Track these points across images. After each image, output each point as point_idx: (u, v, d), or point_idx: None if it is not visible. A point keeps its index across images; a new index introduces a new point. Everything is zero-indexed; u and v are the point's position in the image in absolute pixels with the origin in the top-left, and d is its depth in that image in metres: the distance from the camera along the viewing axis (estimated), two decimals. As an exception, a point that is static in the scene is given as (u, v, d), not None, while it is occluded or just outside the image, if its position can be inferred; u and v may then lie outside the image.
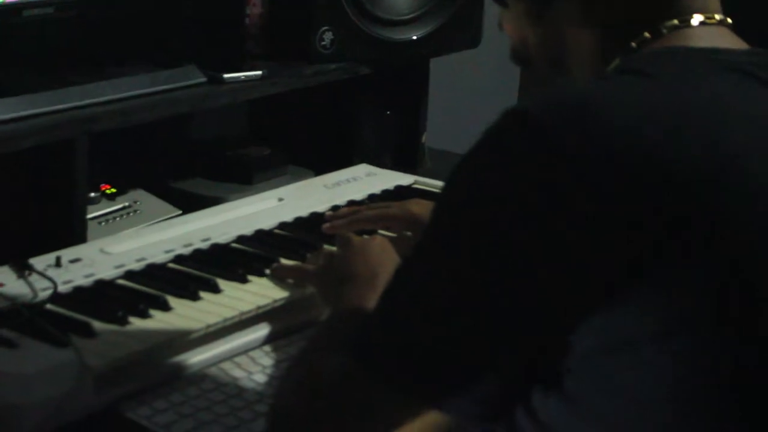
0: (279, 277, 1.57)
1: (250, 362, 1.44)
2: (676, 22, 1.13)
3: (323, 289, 1.49)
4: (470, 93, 2.96)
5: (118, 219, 1.82)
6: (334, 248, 1.54)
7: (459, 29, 2.21)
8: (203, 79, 1.89)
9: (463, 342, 1.04)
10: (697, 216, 1.00)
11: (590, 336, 1.02)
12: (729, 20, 1.16)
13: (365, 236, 1.58)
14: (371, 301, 1.33)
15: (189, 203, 1.90)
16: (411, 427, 1.08)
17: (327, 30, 2.04)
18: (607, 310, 1.01)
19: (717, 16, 1.15)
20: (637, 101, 1.05)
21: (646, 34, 1.14)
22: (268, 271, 1.58)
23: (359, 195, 1.91)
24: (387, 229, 1.74)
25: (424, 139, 2.29)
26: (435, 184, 1.99)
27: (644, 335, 1.01)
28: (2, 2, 1.69)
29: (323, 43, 2.04)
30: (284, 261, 1.61)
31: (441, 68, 2.38)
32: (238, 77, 1.92)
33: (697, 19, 1.14)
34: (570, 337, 1.03)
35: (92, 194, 1.81)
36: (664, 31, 1.13)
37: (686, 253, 1.00)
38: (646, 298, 1.00)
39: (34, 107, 1.67)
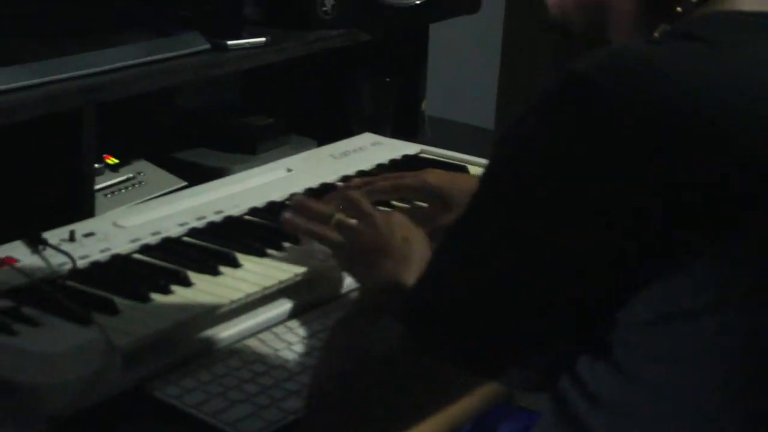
0: (291, 227, 1.51)
1: (275, 338, 1.41)
2: None
3: (349, 262, 1.46)
4: (467, 60, 2.92)
5: (123, 191, 1.78)
6: (347, 219, 1.49)
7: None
8: (207, 46, 1.83)
9: (516, 312, 1.01)
10: (760, 185, 0.98)
11: (648, 305, 1.00)
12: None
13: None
14: (408, 272, 1.31)
15: (192, 174, 1.86)
16: (465, 400, 1.05)
17: (328, -5, 2.00)
18: (667, 280, 0.99)
19: None
20: (696, 66, 1.03)
21: None
22: (286, 245, 1.54)
23: (367, 165, 1.87)
24: (401, 200, 1.71)
25: (424, 106, 2.25)
26: (441, 153, 1.96)
27: (704, 305, 0.99)
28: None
29: (324, 8, 2.00)
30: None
31: (439, 35, 2.34)
32: (242, 44, 1.87)
33: None
34: (624, 308, 1.00)
35: (96, 165, 1.76)
36: None
37: (748, 223, 0.98)
38: (707, 268, 0.98)
39: (37, 77, 1.61)
